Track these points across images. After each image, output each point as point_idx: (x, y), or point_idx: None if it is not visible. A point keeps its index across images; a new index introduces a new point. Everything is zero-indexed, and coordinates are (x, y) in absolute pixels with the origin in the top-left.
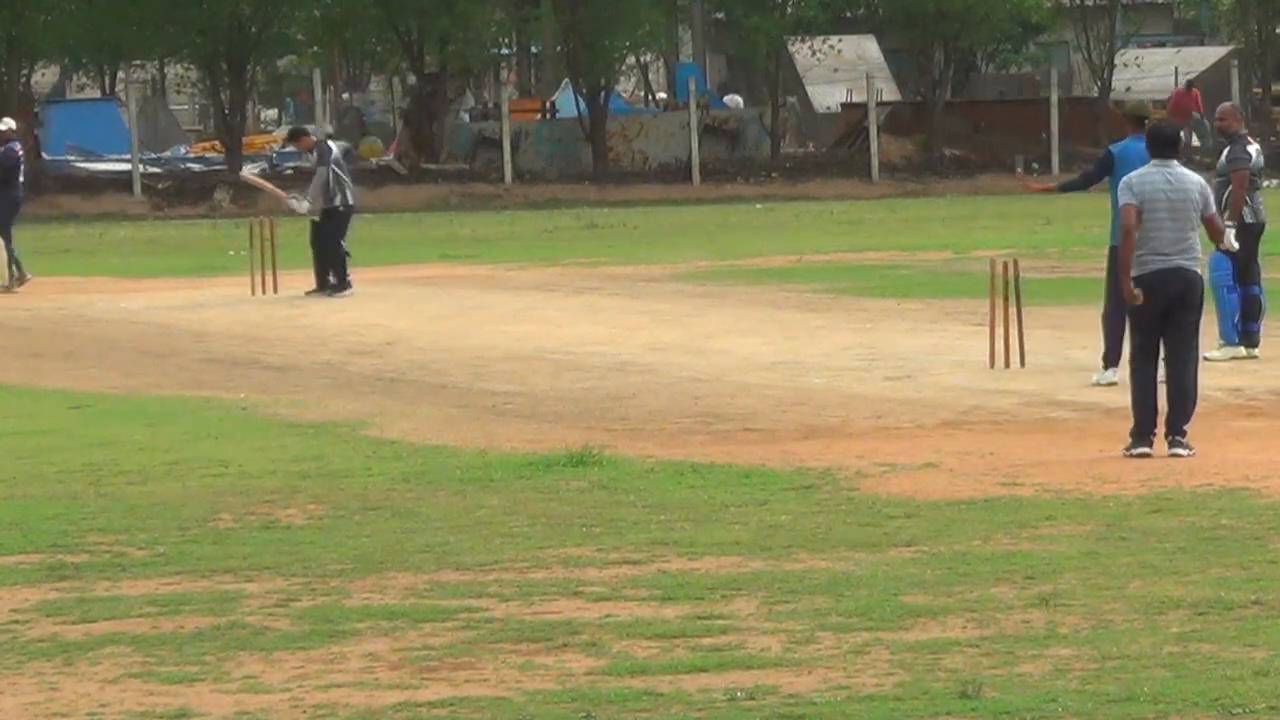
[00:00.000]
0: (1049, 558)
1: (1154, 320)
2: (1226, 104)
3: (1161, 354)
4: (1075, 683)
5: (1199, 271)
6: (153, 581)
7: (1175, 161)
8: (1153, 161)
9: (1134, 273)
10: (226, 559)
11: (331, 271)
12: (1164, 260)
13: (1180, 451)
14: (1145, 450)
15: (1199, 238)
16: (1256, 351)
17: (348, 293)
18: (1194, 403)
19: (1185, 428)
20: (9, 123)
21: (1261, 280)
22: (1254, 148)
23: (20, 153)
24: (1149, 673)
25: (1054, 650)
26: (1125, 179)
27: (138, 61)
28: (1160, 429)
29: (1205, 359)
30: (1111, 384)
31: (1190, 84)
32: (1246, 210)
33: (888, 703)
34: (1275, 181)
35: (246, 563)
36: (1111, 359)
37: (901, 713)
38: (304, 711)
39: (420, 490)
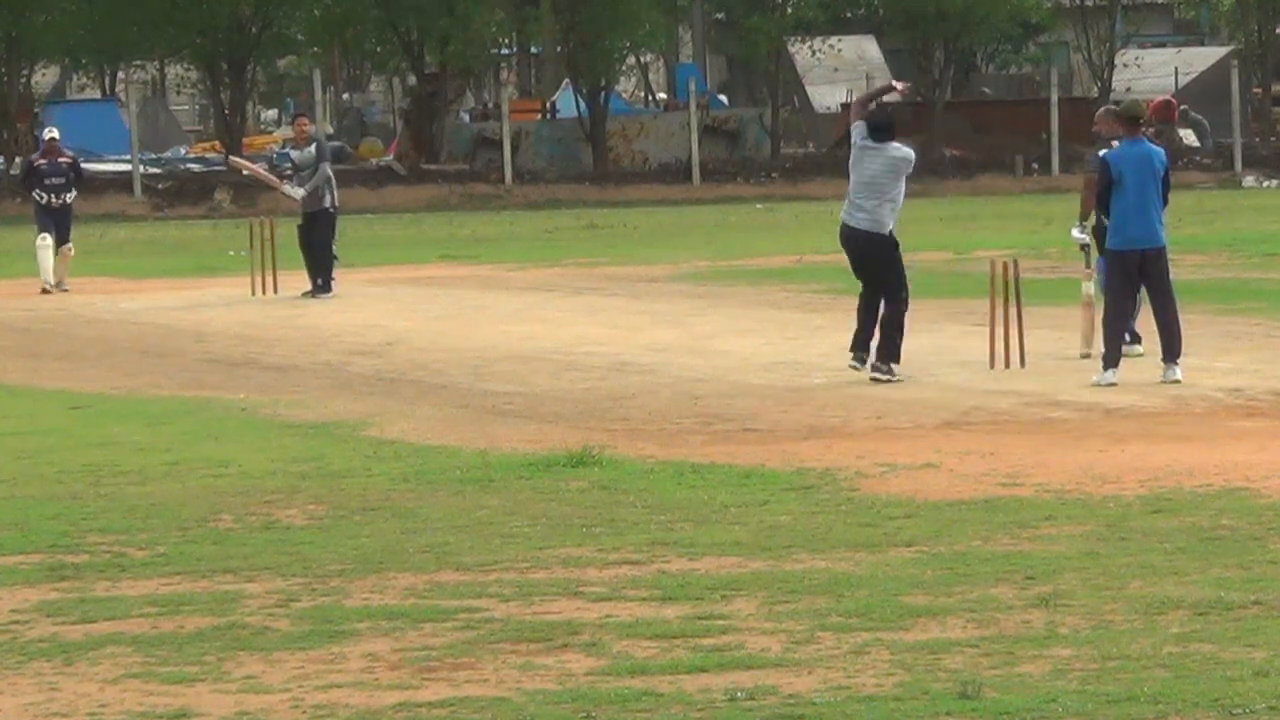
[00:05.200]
0: (1049, 558)
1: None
2: (1102, 109)
3: None
4: (1075, 683)
5: (875, 232)
6: (153, 581)
7: (893, 143)
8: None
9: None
10: (226, 559)
11: (318, 272)
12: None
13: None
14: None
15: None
16: (1140, 348)
17: (328, 295)
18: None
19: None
20: (53, 132)
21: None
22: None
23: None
24: (1149, 673)
25: (1054, 650)
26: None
27: (138, 62)
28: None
29: (1085, 356)
30: (1112, 385)
31: (1168, 103)
32: None
33: (888, 703)
34: (1275, 182)
35: (246, 563)
36: (1111, 360)
37: (901, 713)
38: (304, 711)
39: (420, 490)
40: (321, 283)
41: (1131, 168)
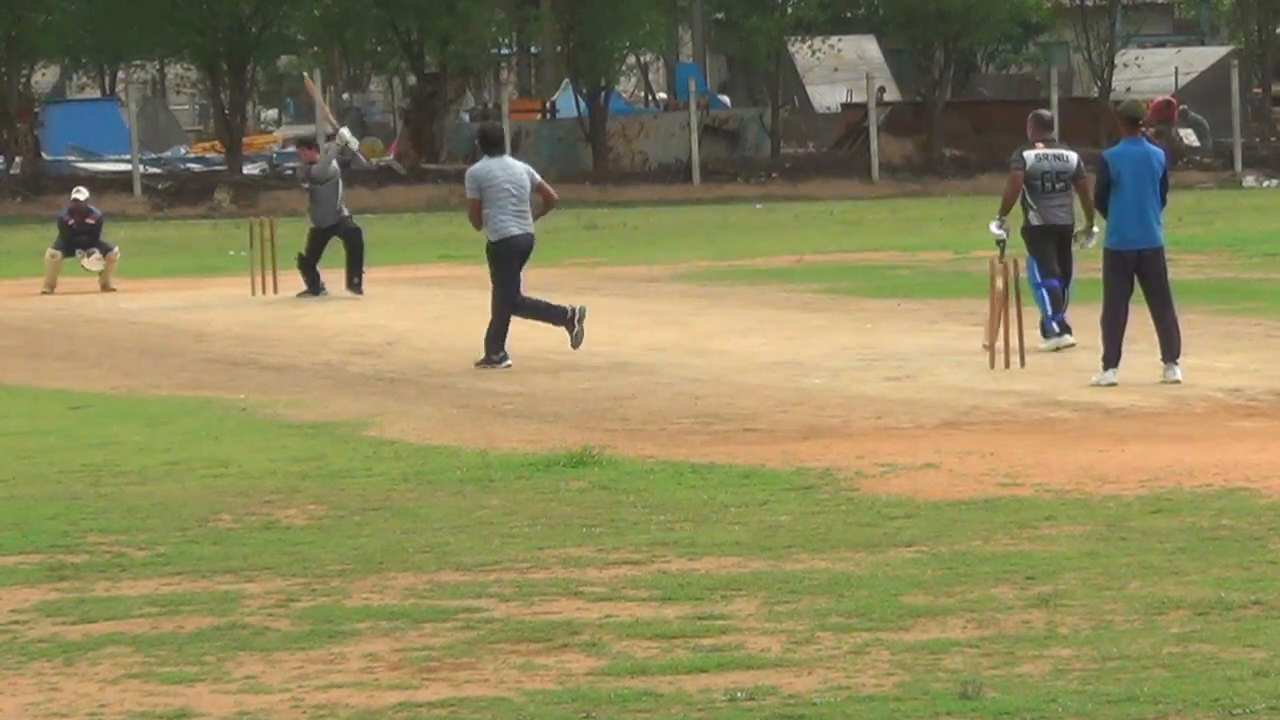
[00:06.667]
0: (1049, 558)
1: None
2: (1033, 112)
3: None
4: (1075, 683)
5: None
6: (153, 581)
7: (508, 157)
8: (491, 158)
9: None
10: (226, 559)
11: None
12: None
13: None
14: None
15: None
16: (1070, 338)
17: (324, 294)
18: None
19: None
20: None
21: (1072, 274)
22: (1033, 153)
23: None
24: (1149, 673)
25: (1054, 650)
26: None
27: (138, 61)
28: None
29: (1038, 349)
30: (1112, 385)
31: (1168, 103)
32: (1033, 213)
33: (888, 703)
34: (1275, 182)
35: (246, 563)
36: (1111, 360)
37: (901, 713)
38: (304, 712)
39: (420, 490)
40: (312, 282)
41: (1130, 168)
